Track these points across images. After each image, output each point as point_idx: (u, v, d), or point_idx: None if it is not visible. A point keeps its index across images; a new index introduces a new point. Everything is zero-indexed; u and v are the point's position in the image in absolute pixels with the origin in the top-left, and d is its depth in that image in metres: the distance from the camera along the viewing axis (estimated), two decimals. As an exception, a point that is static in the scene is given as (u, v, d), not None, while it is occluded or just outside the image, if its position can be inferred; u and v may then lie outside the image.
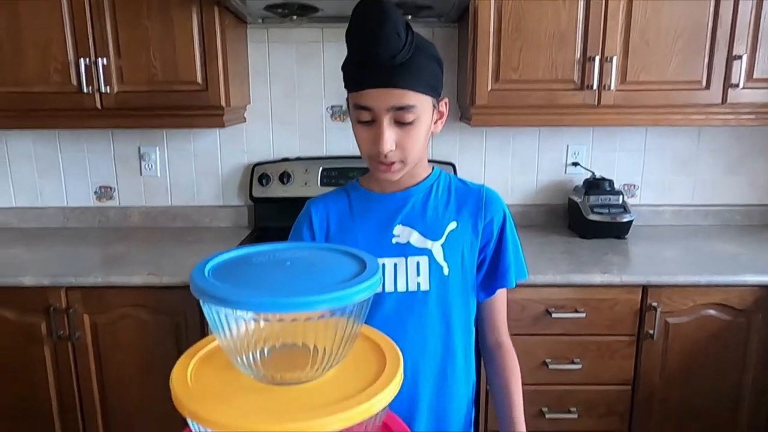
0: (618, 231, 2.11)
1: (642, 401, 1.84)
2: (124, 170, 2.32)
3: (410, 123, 0.93)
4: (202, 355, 0.58)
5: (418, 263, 1.01)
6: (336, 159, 2.25)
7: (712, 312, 1.78)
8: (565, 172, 2.32)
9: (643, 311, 1.78)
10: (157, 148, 2.30)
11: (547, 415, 1.84)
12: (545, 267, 1.79)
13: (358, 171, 2.20)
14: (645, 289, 1.77)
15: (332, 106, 2.28)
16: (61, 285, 1.75)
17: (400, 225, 1.02)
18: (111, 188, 2.34)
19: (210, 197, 2.35)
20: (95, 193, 2.34)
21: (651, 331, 1.78)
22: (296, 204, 2.17)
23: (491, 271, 1.07)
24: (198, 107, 1.92)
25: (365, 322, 0.97)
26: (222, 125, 1.96)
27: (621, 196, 2.13)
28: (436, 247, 1.02)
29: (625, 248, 2.03)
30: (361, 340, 0.61)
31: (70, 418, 1.84)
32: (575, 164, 2.29)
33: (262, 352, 0.51)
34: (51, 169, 2.32)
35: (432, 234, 1.02)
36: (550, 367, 1.80)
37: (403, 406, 1.02)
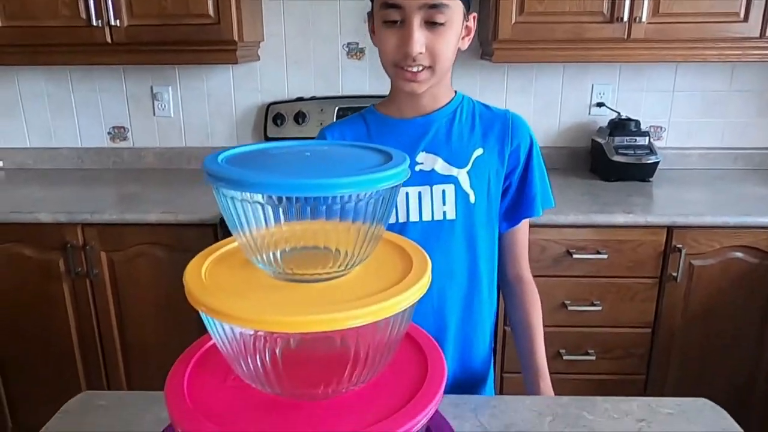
0: (643, 173, 2.04)
1: (661, 344, 1.82)
2: (137, 110, 2.29)
3: (442, 24, 0.87)
4: (217, 256, 0.55)
5: (443, 191, 0.97)
6: (352, 98, 2.19)
7: (738, 254, 1.73)
8: (589, 113, 2.24)
9: (667, 253, 1.74)
10: (170, 88, 2.25)
11: (565, 357, 1.82)
12: (567, 208, 1.74)
13: (375, 111, 2.14)
14: (670, 230, 1.72)
15: (348, 44, 2.20)
16: (77, 222, 1.75)
17: (424, 152, 0.98)
18: (124, 128, 2.31)
19: (224, 138, 2.31)
20: (109, 133, 2.31)
21: (674, 274, 1.74)
22: (311, 145, 2.16)
23: (516, 200, 1.03)
24: (210, 42, 1.86)
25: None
26: (235, 61, 1.90)
27: (647, 137, 2.05)
28: (462, 175, 0.98)
29: (650, 190, 1.97)
30: (386, 244, 0.57)
31: (90, 351, 1.87)
32: (600, 105, 2.21)
33: (282, 251, 0.48)
34: (64, 109, 2.29)
35: (458, 161, 0.98)
36: (569, 308, 1.78)
37: (431, 332, 1.00)
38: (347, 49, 2.20)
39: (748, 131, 2.23)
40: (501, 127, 1.00)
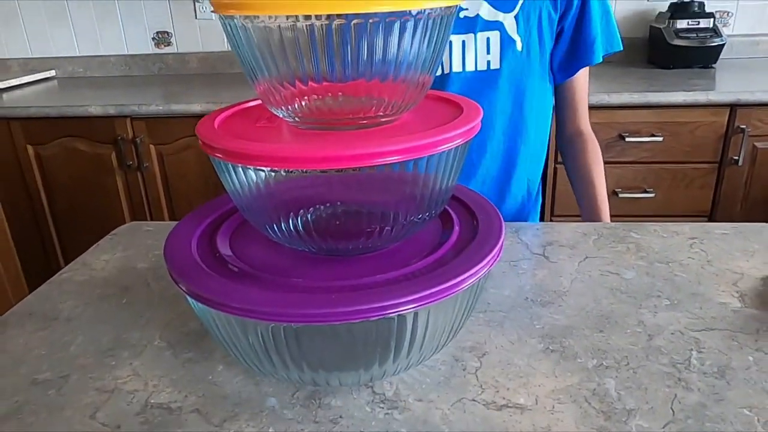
0: (706, 57, 1.90)
1: (719, 234, 1.74)
2: (180, 14, 2.28)
3: None
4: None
5: (488, 39, 0.91)
6: None
7: (809, 135, 1.61)
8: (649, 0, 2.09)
9: (728, 135, 1.64)
10: (210, -12, 2.22)
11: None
12: (620, 88, 1.65)
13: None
14: (733, 109, 1.61)
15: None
16: (126, 114, 1.78)
17: None
18: (168, 33, 2.31)
19: (266, 40, 2.29)
20: (153, 39, 2.33)
21: (736, 157, 1.64)
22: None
23: (572, 46, 0.94)
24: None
25: None
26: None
27: (712, 19, 1.90)
28: (509, 20, 0.90)
29: (713, 74, 1.85)
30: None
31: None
32: (660, -12, 2.05)
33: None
34: (109, 15, 2.30)
35: (504, 5, 0.90)
36: (620, 196, 1.71)
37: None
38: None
39: (828, 13, 2.04)
40: None
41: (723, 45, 1.87)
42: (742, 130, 1.61)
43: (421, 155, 0.42)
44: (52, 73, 2.37)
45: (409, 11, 0.42)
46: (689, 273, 0.66)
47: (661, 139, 1.65)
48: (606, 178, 1.65)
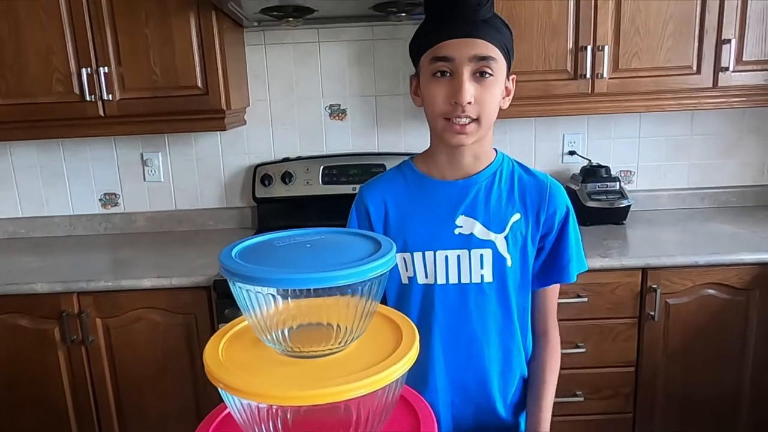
0: (616, 216, 2.14)
1: (646, 382, 1.88)
2: (128, 176, 2.36)
3: (490, 76, 0.93)
4: (232, 334, 0.62)
5: (481, 255, 1.00)
6: (336, 157, 2.29)
7: (711, 291, 1.82)
8: (562, 161, 2.36)
9: (643, 293, 1.82)
10: (160, 154, 2.33)
11: (555, 399, 1.87)
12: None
13: (358, 168, 2.23)
14: (645, 271, 1.80)
15: (330, 105, 2.31)
16: (73, 291, 1.79)
17: (463, 215, 1.01)
18: (116, 195, 2.37)
19: (213, 200, 2.39)
20: (100, 200, 2.38)
21: (652, 313, 1.81)
22: (298, 203, 2.25)
23: (549, 263, 1.06)
24: (199, 111, 1.96)
25: (429, 313, 1.01)
26: (223, 128, 1.99)
27: (618, 183, 2.17)
28: (500, 240, 1.00)
29: (624, 233, 2.07)
30: (381, 318, 0.64)
31: (86, 419, 1.87)
32: (572, 153, 2.33)
33: (289, 329, 0.55)
34: (56, 179, 2.35)
35: (496, 226, 1.01)
36: (555, 351, 1.84)
37: (473, 388, 1.06)
38: (330, 111, 2.32)
39: (712, 172, 2.36)
40: (538, 192, 1.03)
41: (630, 206, 2.13)
42: (654, 290, 1.80)
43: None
44: (-8, 235, 2.35)
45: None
46: None
47: (586, 299, 1.81)
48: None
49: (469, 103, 0.92)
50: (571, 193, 2.22)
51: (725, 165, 2.36)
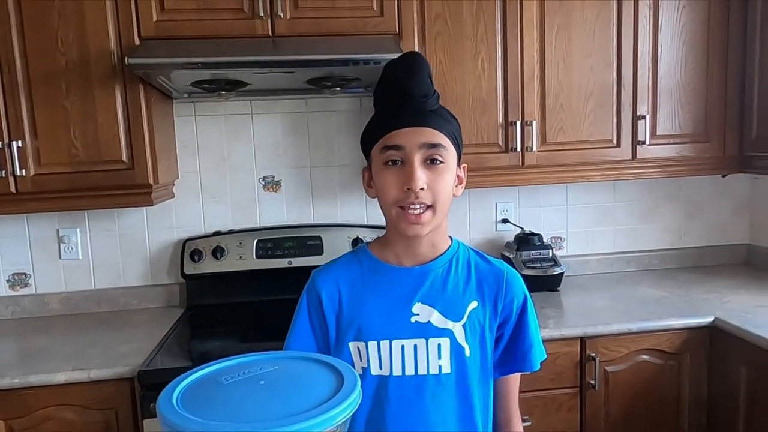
0: (551, 284, 2.19)
1: (591, 452, 1.87)
2: (41, 254, 2.17)
3: (440, 163, 0.94)
4: None
5: (439, 345, 0.97)
6: (271, 230, 2.22)
7: (645, 357, 1.86)
8: (496, 229, 2.40)
9: (583, 362, 1.84)
10: (78, 230, 2.17)
11: (502, 477, 1.82)
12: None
13: (293, 241, 2.17)
14: (583, 340, 1.83)
15: (264, 177, 2.26)
16: (-28, 390, 1.58)
17: (420, 303, 0.98)
18: (26, 275, 2.17)
19: (137, 277, 2.23)
20: (8, 281, 2.17)
21: (592, 381, 1.83)
22: (231, 279, 2.14)
23: (509, 352, 1.04)
24: (124, 186, 1.85)
25: (383, 407, 0.96)
26: (150, 203, 1.89)
27: (550, 250, 2.22)
28: (458, 328, 0.98)
29: (559, 300, 2.11)
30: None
31: None
32: (505, 221, 2.38)
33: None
34: (-44, 259, 2.13)
35: (453, 314, 0.98)
36: (501, 426, 1.80)
37: None
38: (263, 182, 2.26)
39: (635, 236, 2.48)
40: (495, 280, 1.02)
41: (563, 273, 2.18)
42: (593, 358, 1.82)
43: None
44: None
45: None
46: None
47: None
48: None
49: (422, 189, 0.92)
50: (507, 261, 2.25)
51: (647, 230, 2.48)
